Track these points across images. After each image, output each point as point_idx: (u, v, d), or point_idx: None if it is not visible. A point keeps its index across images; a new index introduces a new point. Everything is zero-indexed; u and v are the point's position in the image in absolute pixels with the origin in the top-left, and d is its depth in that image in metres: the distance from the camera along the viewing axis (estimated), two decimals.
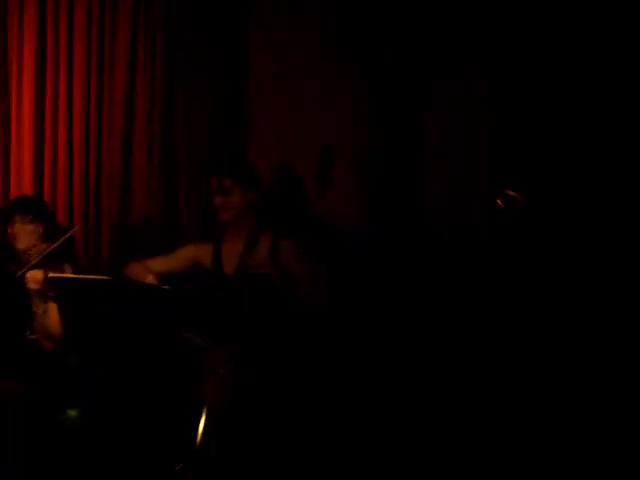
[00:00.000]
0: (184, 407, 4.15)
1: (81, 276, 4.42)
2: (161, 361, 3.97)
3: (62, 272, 4.38)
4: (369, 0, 5.47)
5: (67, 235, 4.55)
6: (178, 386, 4.11)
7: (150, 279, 4.53)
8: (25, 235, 4.67)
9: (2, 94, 5.82)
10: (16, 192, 5.77)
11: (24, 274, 4.40)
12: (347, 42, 5.51)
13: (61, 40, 5.79)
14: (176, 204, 5.78)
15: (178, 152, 5.78)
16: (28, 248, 4.62)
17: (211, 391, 4.12)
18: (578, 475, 4.36)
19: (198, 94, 5.76)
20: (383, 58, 5.44)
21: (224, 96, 5.75)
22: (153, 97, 5.77)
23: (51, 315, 4.35)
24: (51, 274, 4.18)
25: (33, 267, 4.38)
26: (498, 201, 4.47)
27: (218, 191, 4.66)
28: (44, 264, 4.41)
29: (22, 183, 5.80)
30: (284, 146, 5.56)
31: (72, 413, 4.20)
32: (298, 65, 5.61)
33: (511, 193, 4.45)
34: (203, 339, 4.19)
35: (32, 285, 4.38)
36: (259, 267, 4.52)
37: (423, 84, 5.34)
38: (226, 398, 4.18)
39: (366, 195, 5.49)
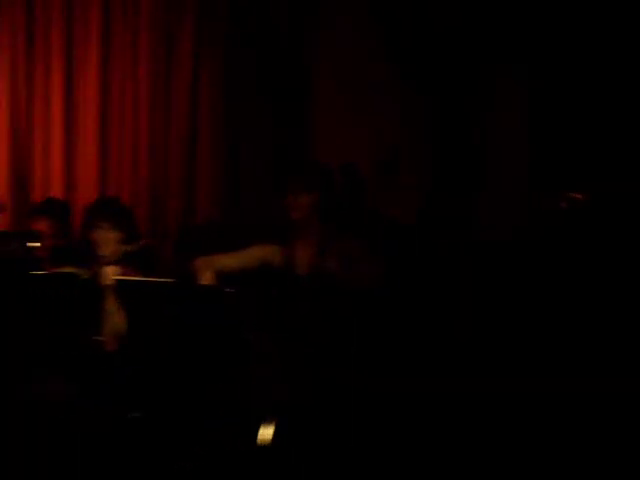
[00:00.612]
0: (245, 407, 4.18)
1: (146, 278, 4.47)
2: (223, 362, 4.01)
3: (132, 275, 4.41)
4: (430, 5, 5.45)
5: (137, 246, 4.59)
6: (240, 387, 4.14)
7: (208, 276, 4.54)
8: (106, 242, 4.69)
9: (67, 95, 5.92)
10: (82, 189, 5.88)
11: (94, 274, 4.44)
12: (406, 45, 5.49)
13: (127, 46, 5.88)
14: (239, 203, 5.82)
15: (242, 153, 5.82)
16: (109, 254, 4.64)
17: (273, 391, 4.14)
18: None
19: (261, 95, 5.78)
20: (442, 61, 5.42)
21: (286, 97, 5.77)
22: (217, 98, 5.82)
23: (121, 316, 4.38)
24: (117, 276, 4.23)
25: (108, 263, 4.43)
26: (562, 204, 4.44)
27: (290, 192, 4.69)
28: (119, 262, 4.45)
29: (87, 181, 5.90)
30: (345, 146, 5.55)
31: (135, 415, 4.24)
32: (359, 65, 5.60)
33: (572, 194, 4.42)
34: (268, 339, 4.21)
35: (107, 281, 4.42)
36: (329, 268, 4.52)
37: (483, 85, 5.32)
38: (289, 398, 4.20)
39: (423, 194, 5.48)
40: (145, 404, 4.23)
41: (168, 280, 4.31)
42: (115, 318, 4.44)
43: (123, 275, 4.30)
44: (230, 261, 4.68)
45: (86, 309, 4.40)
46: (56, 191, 5.83)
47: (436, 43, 5.46)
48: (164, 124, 5.89)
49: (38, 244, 5.10)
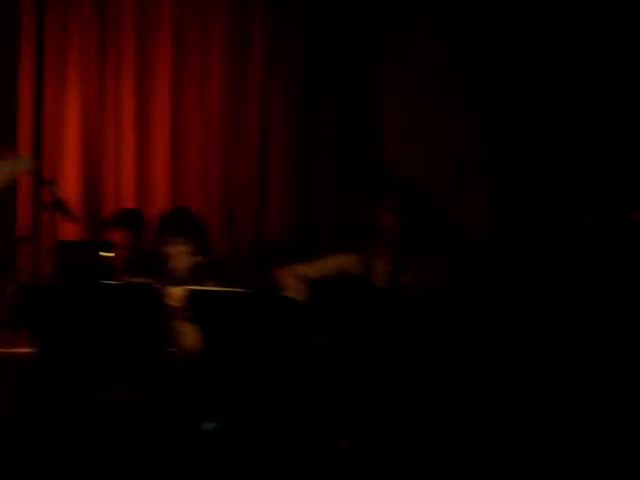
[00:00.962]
0: (318, 416, 4.16)
1: (218, 288, 4.47)
2: (296, 372, 3.99)
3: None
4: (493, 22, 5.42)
5: (208, 257, 4.57)
6: (314, 397, 4.13)
7: (292, 282, 4.53)
8: (179, 256, 4.68)
9: (139, 103, 5.96)
10: (151, 198, 5.91)
11: (165, 287, 4.43)
12: (472, 56, 5.47)
13: (197, 53, 5.90)
14: (312, 215, 5.81)
15: (314, 165, 5.81)
16: (182, 268, 4.63)
17: (347, 400, 4.12)
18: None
19: (332, 109, 5.77)
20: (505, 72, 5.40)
21: (357, 111, 5.75)
22: (288, 111, 5.83)
23: (191, 333, 4.38)
24: (190, 287, 4.23)
25: (177, 281, 4.41)
26: (633, 215, 4.37)
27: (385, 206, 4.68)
28: (188, 280, 4.43)
29: (158, 191, 5.93)
30: (414, 159, 5.52)
31: (210, 425, 4.24)
32: (429, 79, 5.57)
33: None
34: (341, 349, 4.19)
35: (172, 302, 4.39)
36: (406, 280, 4.50)
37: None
38: (361, 407, 4.18)
39: (495, 204, 5.43)
40: (217, 414, 4.23)
41: (241, 290, 4.31)
42: (185, 338, 4.43)
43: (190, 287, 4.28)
44: (311, 270, 4.67)
45: (159, 320, 4.40)
46: (127, 203, 5.86)
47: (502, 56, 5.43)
48: (235, 136, 5.90)
49: (111, 254, 5.15)
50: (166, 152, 5.93)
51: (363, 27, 5.72)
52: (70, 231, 5.72)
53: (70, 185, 5.89)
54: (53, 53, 5.94)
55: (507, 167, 5.49)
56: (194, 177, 5.90)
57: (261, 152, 5.85)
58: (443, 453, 4.31)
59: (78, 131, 5.93)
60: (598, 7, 5.40)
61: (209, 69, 5.90)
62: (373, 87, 5.76)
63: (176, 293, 4.36)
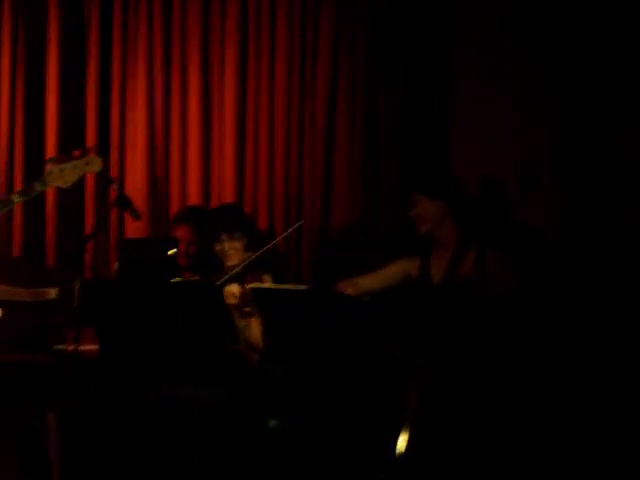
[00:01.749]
0: (384, 417, 4.13)
1: (280, 286, 4.46)
2: (361, 371, 3.97)
3: (261, 282, 4.38)
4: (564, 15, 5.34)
5: (264, 249, 4.55)
6: (378, 396, 4.10)
7: (349, 292, 4.51)
8: (235, 252, 4.68)
9: (204, 100, 5.97)
10: (217, 195, 5.93)
11: (223, 284, 4.43)
12: (544, 54, 5.38)
13: (263, 47, 5.89)
14: (377, 212, 5.78)
15: (380, 163, 5.78)
16: (237, 264, 4.61)
17: (413, 401, 4.08)
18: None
19: (400, 105, 5.73)
20: (579, 71, 5.30)
21: (425, 107, 5.71)
22: (354, 105, 5.79)
23: (252, 329, 4.37)
24: (251, 285, 4.22)
25: (233, 277, 4.40)
26: None
27: (410, 205, 4.63)
28: (244, 275, 4.42)
29: (224, 186, 5.93)
30: (486, 155, 5.46)
31: (273, 423, 4.23)
32: (500, 73, 5.51)
33: None
34: (406, 350, 4.16)
35: (229, 299, 4.39)
36: (465, 278, 4.44)
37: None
38: (428, 408, 4.14)
39: (567, 204, 5.34)
40: (285, 411, 4.22)
41: (303, 288, 4.31)
42: (245, 333, 4.43)
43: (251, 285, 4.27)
44: (373, 282, 4.64)
45: (221, 317, 4.41)
46: (193, 201, 5.89)
47: (579, 57, 5.33)
48: (300, 139, 5.88)
49: (175, 250, 5.18)
50: (232, 151, 5.93)
51: (430, 16, 5.66)
52: (136, 229, 5.76)
53: (136, 184, 5.93)
54: (119, 53, 5.98)
55: (578, 166, 5.39)
56: (261, 176, 5.89)
57: (326, 150, 5.83)
58: (518, 454, 4.26)
59: (144, 130, 5.97)
60: None
61: (274, 67, 5.88)
62: (441, 80, 5.69)
63: (233, 290, 4.35)
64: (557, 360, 4.57)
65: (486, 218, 4.87)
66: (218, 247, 4.68)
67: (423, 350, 4.27)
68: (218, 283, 4.40)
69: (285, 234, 4.59)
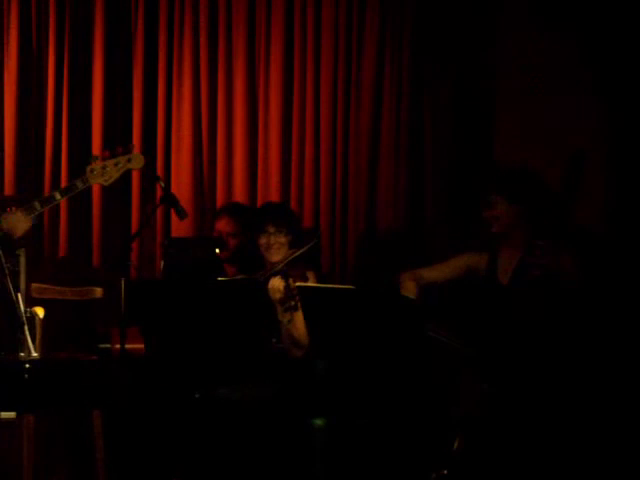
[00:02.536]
0: (436, 415, 4.10)
1: (325, 285, 4.43)
2: (409, 371, 3.94)
3: (305, 279, 4.34)
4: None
5: (311, 244, 4.52)
6: (428, 397, 4.08)
7: (411, 288, 4.46)
8: (280, 247, 4.65)
9: (250, 100, 5.96)
10: (263, 195, 5.91)
11: (267, 280, 4.40)
12: (592, 53, 5.33)
13: (308, 48, 5.88)
14: (422, 207, 5.74)
15: (425, 156, 5.75)
16: (282, 260, 4.59)
17: (468, 403, 4.05)
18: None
19: (444, 98, 5.71)
20: (626, 71, 5.24)
21: (470, 99, 5.67)
22: (399, 102, 5.76)
23: (296, 324, 4.34)
24: (297, 283, 4.20)
25: (276, 273, 4.38)
26: None
27: (485, 204, 4.57)
28: (287, 271, 4.39)
29: (269, 186, 5.92)
30: (530, 148, 5.40)
31: (318, 421, 4.21)
32: (545, 66, 5.45)
33: None
34: (468, 350, 4.12)
35: (273, 294, 4.37)
36: (532, 275, 4.38)
37: None
38: (482, 410, 4.10)
39: (613, 200, 5.28)
40: (329, 409, 4.21)
41: (347, 287, 4.28)
42: (289, 328, 4.40)
43: (293, 280, 4.24)
44: (436, 273, 4.60)
45: (265, 315, 4.39)
46: (238, 200, 5.86)
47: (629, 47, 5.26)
48: (345, 142, 5.87)
49: (219, 250, 5.18)
50: (277, 153, 5.91)
51: (475, 12, 5.62)
52: (181, 228, 5.76)
53: (182, 183, 5.93)
54: (164, 54, 5.98)
55: (628, 157, 5.32)
56: (307, 177, 5.87)
57: (371, 153, 5.81)
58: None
59: (190, 130, 5.97)
60: None
61: (320, 64, 5.87)
62: (485, 74, 5.65)
63: (276, 284, 4.32)
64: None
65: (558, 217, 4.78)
66: (263, 239, 4.65)
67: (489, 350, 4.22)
68: (262, 279, 4.38)
69: (303, 250, 4.53)
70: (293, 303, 4.22)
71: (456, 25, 5.69)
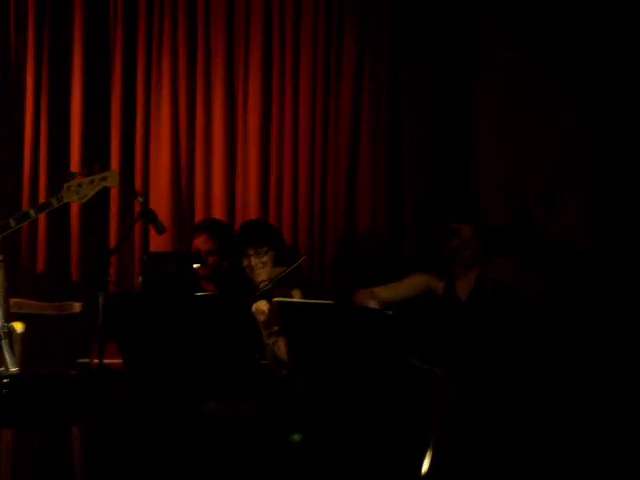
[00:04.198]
0: (408, 432, 4.11)
1: (306, 301, 4.45)
2: (387, 386, 3.95)
3: (290, 297, 4.38)
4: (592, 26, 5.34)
5: (294, 265, 4.54)
6: (403, 411, 4.08)
7: (372, 305, 4.51)
8: (262, 267, 4.67)
9: (228, 115, 5.98)
10: (241, 210, 5.93)
11: (252, 300, 4.43)
12: (569, 71, 5.39)
13: (286, 66, 5.90)
14: (400, 224, 5.77)
15: (402, 175, 5.77)
16: (267, 279, 4.60)
17: (436, 418, 4.06)
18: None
19: (422, 118, 5.73)
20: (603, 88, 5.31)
21: (447, 120, 5.70)
22: (379, 119, 5.79)
23: (281, 345, 4.36)
24: (276, 299, 4.21)
25: (261, 294, 4.40)
26: None
27: (450, 234, 4.62)
28: (273, 291, 4.41)
29: (248, 202, 5.93)
30: (508, 168, 5.45)
31: (296, 437, 4.22)
32: (522, 87, 5.50)
33: None
34: (429, 366, 4.14)
35: (258, 317, 4.39)
36: (493, 293, 4.43)
37: None
38: (450, 425, 4.12)
39: (594, 219, 5.33)
40: (308, 425, 4.21)
41: (329, 303, 4.29)
42: (274, 350, 4.42)
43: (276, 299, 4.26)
44: (392, 292, 4.64)
45: (246, 331, 4.40)
46: (218, 216, 5.87)
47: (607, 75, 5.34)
48: (324, 154, 5.89)
49: (199, 265, 5.18)
50: (256, 166, 5.93)
51: (455, 34, 5.67)
52: (160, 243, 5.77)
53: (160, 198, 5.93)
54: (143, 69, 6.00)
55: (604, 178, 5.38)
56: (285, 190, 5.89)
57: (350, 165, 5.83)
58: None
59: (168, 145, 5.98)
60: None
61: (299, 83, 5.89)
62: (464, 96, 5.70)
63: (261, 306, 4.35)
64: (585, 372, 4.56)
65: (512, 232, 4.86)
66: (245, 262, 4.68)
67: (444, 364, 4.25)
68: (247, 299, 4.40)
69: (289, 269, 4.55)
70: (277, 328, 4.24)
71: (435, 40, 5.71)
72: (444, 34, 5.69)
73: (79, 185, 4.32)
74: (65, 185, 4.36)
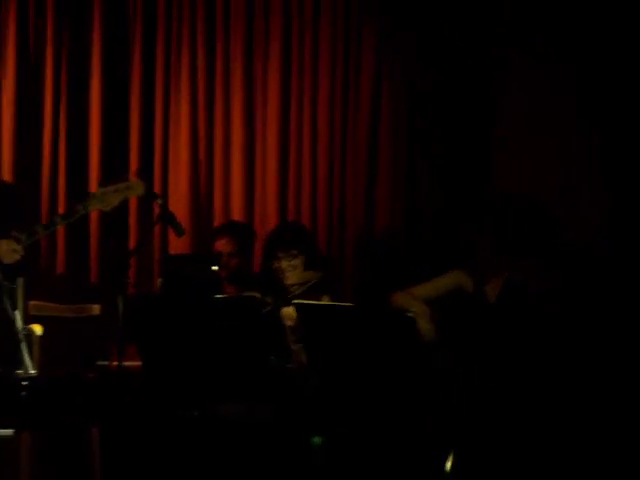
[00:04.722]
0: (427, 433, 4.09)
1: (324, 303, 4.44)
2: (406, 388, 3.93)
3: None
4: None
5: (323, 273, 4.54)
6: (422, 412, 4.06)
7: (417, 306, 4.45)
8: (292, 270, 4.66)
9: (247, 117, 5.97)
10: (260, 212, 5.93)
11: (280, 306, 4.43)
12: (589, 75, 5.36)
13: (305, 66, 5.89)
14: (419, 221, 5.74)
15: (422, 176, 5.75)
16: (297, 282, 4.60)
17: (458, 422, 4.04)
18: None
19: (442, 116, 5.70)
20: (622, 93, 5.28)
21: (467, 118, 5.68)
22: (397, 117, 5.77)
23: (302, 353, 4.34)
24: (295, 300, 4.20)
25: (290, 300, 4.39)
26: None
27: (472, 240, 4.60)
28: (303, 297, 4.39)
29: (267, 203, 5.93)
30: (529, 174, 5.42)
31: (317, 440, 4.20)
32: (544, 101, 5.48)
33: None
34: (454, 367, 4.12)
35: (286, 322, 4.39)
36: (519, 293, 4.40)
37: None
38: (471, 426, 4.09)
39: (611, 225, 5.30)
40: (328, 427, 4.19)
41: (349, 305, 4.28)
42: (299, 356, 4.40)
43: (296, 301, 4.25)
44: (428, 292, 4.59)
45: (270, 333, 4.39)
46: (236, 218, 5.86)
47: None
48: (342, 154, 5.87)
49: (217, 267, 5.17)
50: (275, 167, 5.92)
51: (473, 32, 5.64)
52: (179, 245, 5.76)
53: (179, 200, 5.93)
54: (162, 71, 6.00)
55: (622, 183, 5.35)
56: (304, 191, 5.88)
57: (369, 166, 5.81)
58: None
59: (187, 146, 5.98)
60: None
61: (318, 83, 5.88)
62: (485, 98, 5.67)
63: (290, 312, 4.33)
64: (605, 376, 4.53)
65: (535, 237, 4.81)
66: (275, 265, 4.67)
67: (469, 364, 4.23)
68: (268, 309, 4.39)
69: (315, 280, 4.55)
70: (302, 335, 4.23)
71: (453, 40, 5.68)
72: (466, 37, 5.66)
73: (103, 194, 4.33)
74: (91, 193, 4.38)
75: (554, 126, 5.45)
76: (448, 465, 3.94)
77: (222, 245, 5.34)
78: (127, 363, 4.62)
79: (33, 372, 4.37)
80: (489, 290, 4.51)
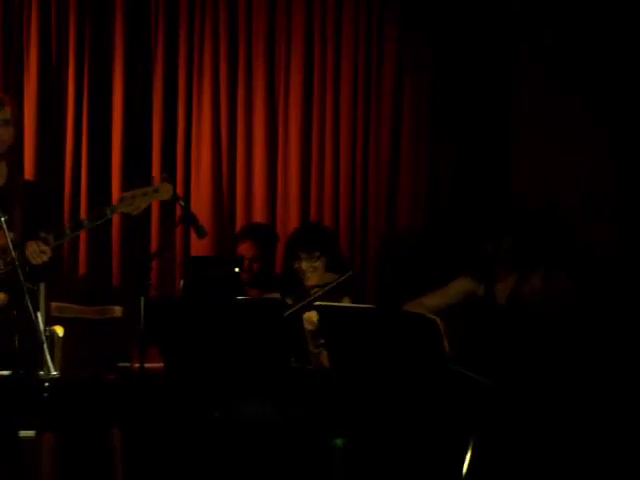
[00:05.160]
0: (449, 438, 4.07)
1: (345, 304, 4.42)
2: (426, 390, 3.91)
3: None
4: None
5: (344, 277, 4.53)
6: (443, 416, 4.04)
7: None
8: (314, 272, 4.66)
9: (269, 118, 5.97)
10: (282, 213, 5.93)
11: (299, 310, 4.42)
12: (610, 70, 5.32)
13: (328, 67, 5.88)
14: (440, 223, 5.73)
15: (444, 177, 5.74)
16: (318, 284, 4.59)
17: (478, 423, 4.02)
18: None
19: (463, 118, 5.70)
20: None
21: (487, 120, 5.67)
22: (419, 119, 5.77)
23: (326, 357, 4.34)
24: (318, 302, 4.19)
25: (309, 303, 4.38)
26: None
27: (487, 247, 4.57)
28: (323, 299, 4.38)
29: (289, 204, 5.93)
30: (549, 175, 5.39)
31: (339, 442, 4.20)
32: (562, 88, 5.44)
33: None
34: (470, 371, 4.10)
35: (307, 326, 4.39)
36: (531, 298, 4.38)
37: None
38: (492, 430, 4.07)
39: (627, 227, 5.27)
40: (350, 429, 4.19)
41: (370, 307, 4.26)
42: (319, 359, 4.40)
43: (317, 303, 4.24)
44: (438, 300, 4.58)
45: (288, 335, 4.38)
46: (259, 220, 5.86)
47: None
48: (364, 157, 5.87)
49: (239, 269, 5.18)
50: (297, 169, 5.92)
51: (491, 33, 5.63)
52: (201, 247, 5.76)
53: (201, 202, 5.93)
54: (184, 73, 6.01)
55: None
56: (326, 193, 5.88)
57: (391, 168, 5.81)
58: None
59: (209, 148, 5.98)
60: None
61: (340, 87, 5.87)
62: (502, 96, 5.66)
63: (311, 317, 4.33)
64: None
65: (550, 239, 4.79)
66: (296, 265, 4.67)
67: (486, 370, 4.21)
68: (289, 311, 4.39)
69: (334, 283, 4.53)
70: (322, 340, 4.23)
71: (472, 45, 5.68)
72: (485, 42, 5.65)
73: (132, 197, 4.33)
74: (119, 196, 4.39)
75: (572, 128, 5.43)
76: (464, 468, 3.93)
77: (245, 249, 5.35)
78: (148, 365, 4.63)
79: (55, 373, 4.38)
80: (499, 292, 4.50)
